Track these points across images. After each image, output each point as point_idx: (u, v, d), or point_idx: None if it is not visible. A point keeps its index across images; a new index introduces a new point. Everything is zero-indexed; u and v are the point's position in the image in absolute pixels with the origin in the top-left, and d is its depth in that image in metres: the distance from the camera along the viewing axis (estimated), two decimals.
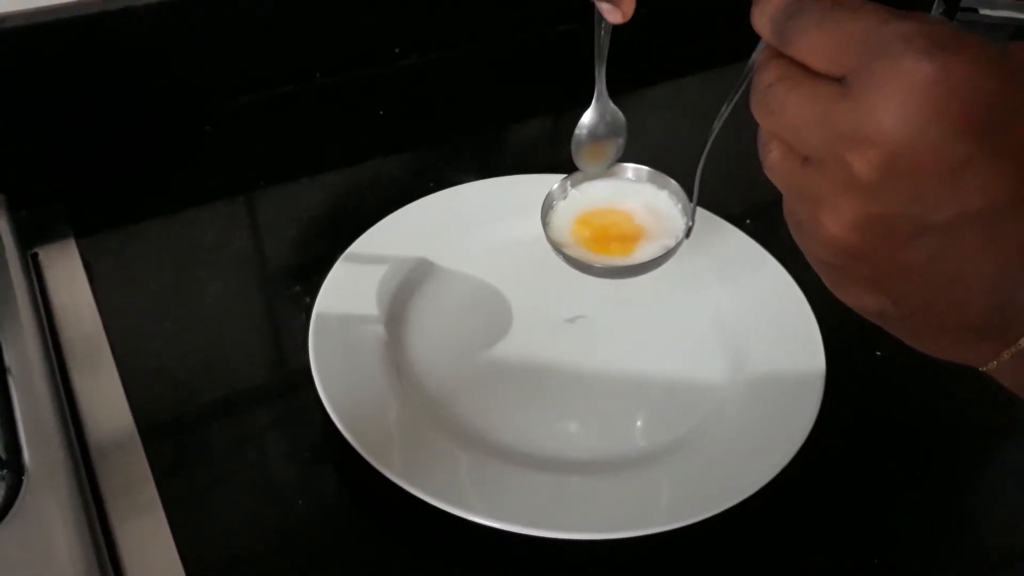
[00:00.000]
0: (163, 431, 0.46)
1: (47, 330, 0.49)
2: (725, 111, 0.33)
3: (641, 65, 0.74)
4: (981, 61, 0.21)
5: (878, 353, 0.52)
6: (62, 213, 0.58)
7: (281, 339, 0.54)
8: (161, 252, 0.58)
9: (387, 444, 0.44)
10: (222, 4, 0.66)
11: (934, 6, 0.82)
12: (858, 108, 0.22)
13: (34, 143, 0.63)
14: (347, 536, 0.43)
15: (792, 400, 0.47)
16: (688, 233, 0.42)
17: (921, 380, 0.51)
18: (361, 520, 0.44)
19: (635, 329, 0.53)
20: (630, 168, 0.44)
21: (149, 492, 0.43)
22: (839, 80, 0.23)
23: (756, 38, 0.26)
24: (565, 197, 0.44)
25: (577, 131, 0.43)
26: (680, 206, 0.43)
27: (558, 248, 0.43)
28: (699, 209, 0.42)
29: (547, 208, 0.44)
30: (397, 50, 0.75)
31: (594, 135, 0.43)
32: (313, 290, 0.51)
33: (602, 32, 0.39)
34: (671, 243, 0.42)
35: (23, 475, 0.40)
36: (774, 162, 0.25)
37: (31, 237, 0.56)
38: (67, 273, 0.54)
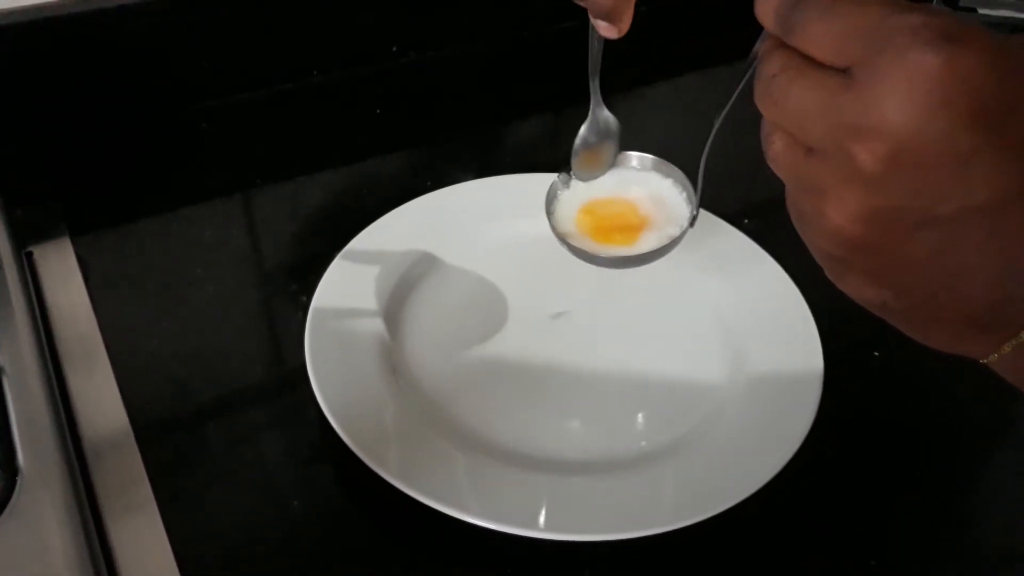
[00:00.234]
0: (158, 431, 0.46)
1: (42, 329, 0.49)
2: (731, 99, 0.33)
3: (641, 63, 0.74)
4: (987, 53, 0.21)
5: (876, 353, 0.52)
6: (57, 212, 0.58)
7: (278, 338, 0.53)
8: (157, 251, 0.58)
9: (383, 444, 0.44)
10: (219, 2, 0.66)
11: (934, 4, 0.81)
12: (863, 99, 0.22)
13: (29, 141, 0.63)
14: (344, 536, 0.43)
15: (790, 400, 0.46)
16: (693, 222, 0.41)
17: (920, 379, 0.51)
18: (358, 520, 0.44)
19: (633, 329, 0.53)
20: (634, 156, 0.44)
21: (144, 492, 0.43)
22: (843, 71, 0.23)
23: (759, 29, 0.26)
24: (568, 187, 0.44)
25: (574, 143, 0.43)
26: (685, 195, 0.43)
27: (562, 238, 0.42)
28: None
29: (551, 198, 0.43)
30: (395, 48, 0.75)
31: (586, 144, 0.43)
32: (310, 289, 0.51)
33: (595, 44, 0.39)
34: (676, 232, 0.42)
35: (17, 475, 0.40)
36: (777, 153, 0.25)
37: (26, 236, 0.55)
38: (62, 272, 0.54)
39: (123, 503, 0.42)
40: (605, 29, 0.36)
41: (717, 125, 0.35)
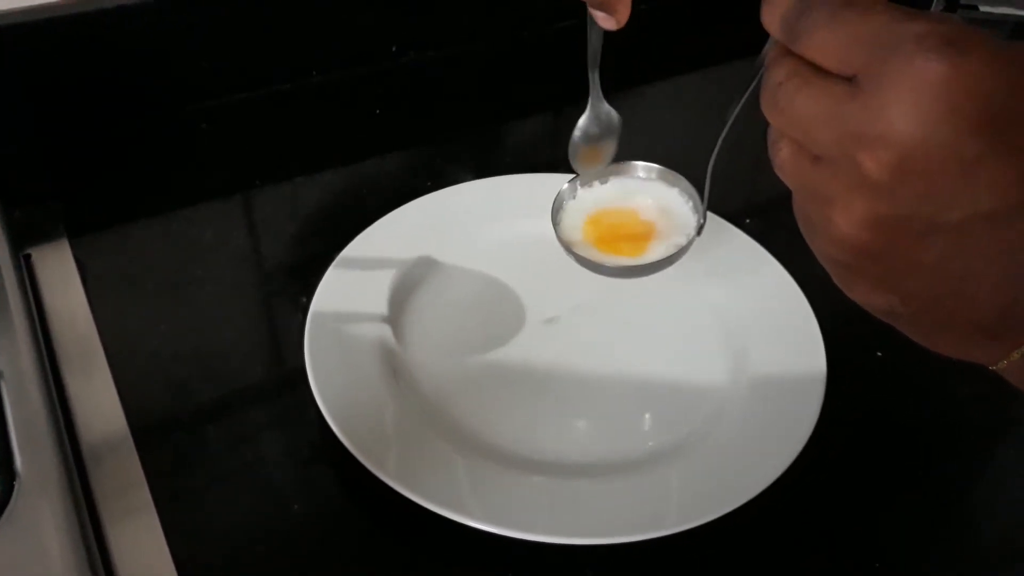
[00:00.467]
0: (157, 433, 0.46)
1: (40, 332, 0.49)
2: (736, 107, 0.33)
3: (641, 62, 0.74)
4: (993, 59, 0.21)
5: (879, 354, 0.52)
6: (55, 213, 0.58)
7: (277, 339, 0.53)
8: (156, 252, 0.57)
9: (383, 446, 0.44)
10: (218, 2, 0.66)
11: (934, 3, 0.81)
12: (869, 107, 0.22)
13: (27, 142, 0.63)
14: (343, 539, 0.43)
15: (793, 401, 0.46)
16: (700, 231, 0.41)
17: (923, 381, 0.51)
18: (358, 523, 0.44)
19: (635, 330, 0.53)
20: (640, 166, 0.44)
21: (143, 495, 0.42)
22: (850, 79, 0.23)
23: (765, 35, 0.26)
24: (575, 196, 0.44)
25: (573, 135, 0.43)
26: (691, 204, 0.43)
27: (569, 248, 0.42)
28: None
29: (557, 208, 0.43)
30: (394, 48, 0.74)
31: (588, 138, 0.43)
32: (310, 290, 0.51)
33: (595, 37, 0.39)
34: (683, 241, 0.42)
35: (15, 479, 0.39)
36: (784, 160, 0.25)
37: (24, 237, 0.55)
38: (60, 274, 0.54)
39: (122, 506, 0.42)
40: (603, 20, 0.36)
41: (724, 133, 0.35)
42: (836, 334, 0.49)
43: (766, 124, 0.26)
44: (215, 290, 0.55)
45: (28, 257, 0.55)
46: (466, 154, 0.68)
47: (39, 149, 0.63)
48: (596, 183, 0.44)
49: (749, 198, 0.63)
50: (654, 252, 0.42)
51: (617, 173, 0.44)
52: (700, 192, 0.41)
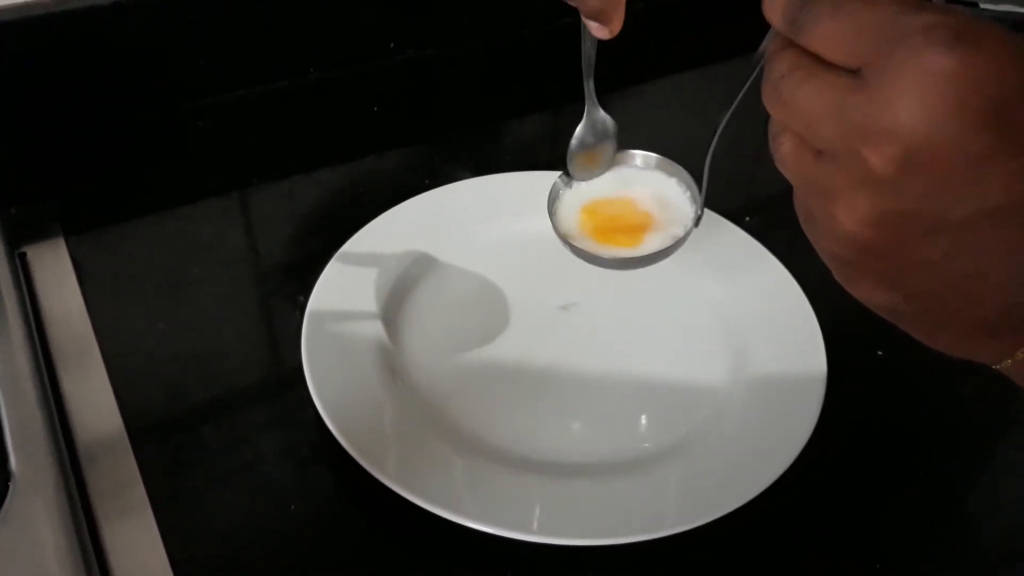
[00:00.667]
0: (153, 433, 0.46)
1: (35, 331, 0.48)
2: (735, 100, 0.33)
3: (639, 61, 0.74)
4: (1001, 52, 0.21)
5: (879, 352, 0.51)
6: (51, 211, 0.58)
7: (275, 338, 0.53)
8: (152, 251, 0.57)
9: (381, 447, 0.43)
10: None
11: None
12: (874, 101, 0.22)
13: (22, 140, 0.62)
14: (341, 540, 0.43)
15: (793, 401, 0.46)
16: (698, 222, 0.41)
17: (923, 380, 0.51)
18: (356, 523, 0.44)
19: (634, 329, 0.52)
20: (638, 155, 0.43)
21: (138, 495, 0.42)
22: (854, 71, 0.22)
23: (759, 26, 0.26)
24: (571, 187, 0.43)
25: (571, 144, 0.42)
26: (689, 194, 0.42)
27: (565, 239, 0.42)
28: None
29: (552, 198, 0.43)
30: (393, 45, 0.74)
31: (583, 145, 0.42)
32: (307, 289, 0.51)
33: (588, 45, 0.38)
34: (680, 232, 0.41)
35: (9, 480, 0.39)
36: (786, 154, 0.25)
37: (19, 236, 0.55)
38: (56, 273, 0.53)
39: (117, 506, 0.42)
40: (596, 29, 0.36)
41: (722, 126, 0.35)
42: (836, 333, 0.49)
43: (766, 119, 0.26)
44: (212, 289, 0.55)
45: (24, 255, 0.54)
46: (465, 152, 0.68)
47: (34, 146, 0.63)
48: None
49: (749, 195, 0.63)
50: (651, 243, 0.42)
51: (614, 163, 0.43)
52: (698, 183, 0.40)
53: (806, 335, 0.49)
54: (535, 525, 0.40)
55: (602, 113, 0.42)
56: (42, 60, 0.61)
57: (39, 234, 0.56)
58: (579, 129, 0.42)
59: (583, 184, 0.43)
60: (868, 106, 0.22)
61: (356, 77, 0.73)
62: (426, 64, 0.75)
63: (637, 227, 0.42)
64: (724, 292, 0.53)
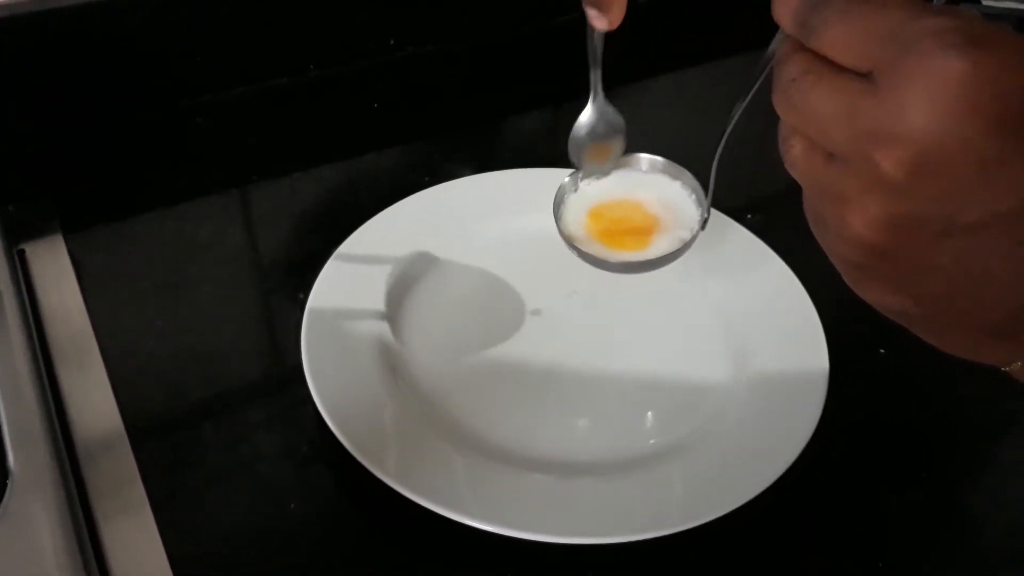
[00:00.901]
0: (152, 431, 0.46)
1: (34, 329, 0.48)
2: (742, 103, 0.33)
3: (643, 57, 0.73)
4: (1013, 57, 0.21)
5: (882, 350, 0.51)
6: (50, 209, 0.57)
7: (275, 337, 0.53)
8: (151, 248, 0.57)
9: (382, 445, 0.43)
10: None
11: None
12: (886, 105, 0.22)
13: (22, 137, 0.62)
14: (342, 539, 0.42)
15: (795, 400, 0.46)
16: (704, 224, 0.41)
17: (927, 379, 0.51)
18: (356, 522, 0.43)
19: (636, 327, 0.52)
20: (644, 159, 0.43)
21: (137, 493, 0.42)
22: (866, 75, 0.22)
23: (768, 29, 0.26)
24: (576, 190, 0.43)
25: (575, 131, 0.42)
26: (694, 197, 0.42)
27: (571, 243, 0.42)
28: None
29: (558, 202, 0.43)
30: (392, 42, 0.74)
31: (594, 135, 0.42)
32: (307, 286, 0.50)
33: (595, 34, 0.38)
34: (687, 235, 0.41)
35: (8, 478, 0.39)
36: (796, 158, 0.25)
37: (18, 233, 0.55)
38: (55, 270, 0.53)
39: (116, 504, 0.42)
40: (595, 19, 0.36)
41: (729, 129, 0.35)
42: (839, 331, 0.49)
43: (769, 119, 0.26)
44: (212, 287, 0.54)
45: (22, 253, 0.54)
46: (465, 149, 0.68)
47: (34, 144, 0.63)
48: (598, 176, 0.44)
49: (751, 193, 0.63)
50: (658, 247, 0.41)
51: (619, 165, 0.43)
52: (704, 186, 0.40)
53: (808, 333, 0.49)
54: (536, 524, 0.40)
55: (610, 107, 0.42)
56: (42, 57, 0.61)
57: (38, 232, 0.56)
58: (587, 118, 0.42)
59: (588, 188, 0.43)
60: (879, 110, 0.22)
61: (356, 74, 0.73)
62: (426, 61, 0.75)
63: (643, 230, 0.42)
64: (726, 290, 0.53)
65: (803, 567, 0.42)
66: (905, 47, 0.21)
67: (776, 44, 0.28)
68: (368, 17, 0.72)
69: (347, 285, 0.51)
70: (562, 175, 0.43)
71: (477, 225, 0.56)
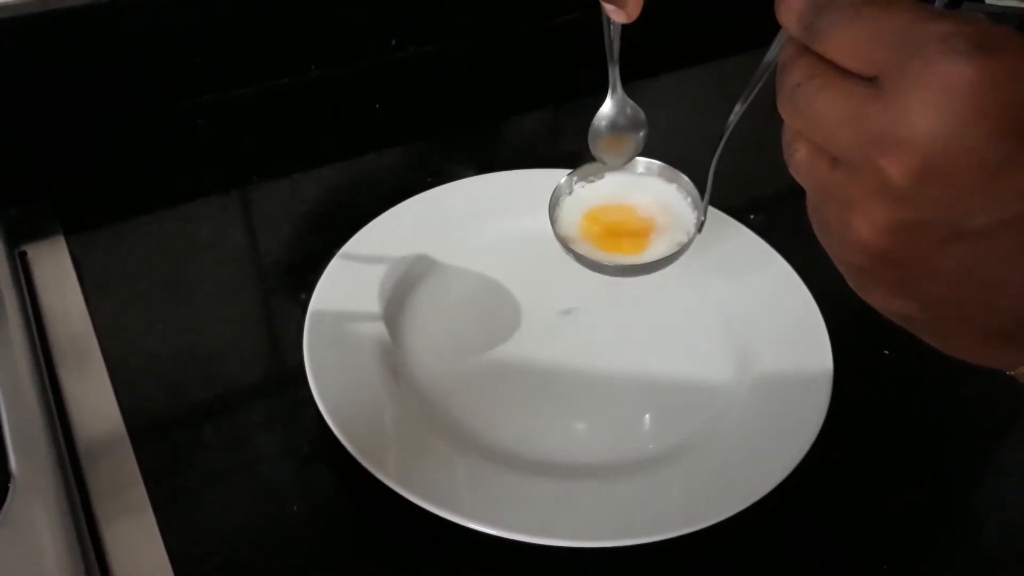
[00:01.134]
0: (154, 432, 0.46)
1: (35, 330, 0.48)
2: (741, 107, 0.33)
3: (643, 56, 0.73)
4: (1021, 62, 0.20)
5: (886, 351, 0.51)
6: (51, 210, 0.57)
7: (276, 338, 0.53)
8: (153, 249, 0.57)
9: (383, 447, 0.43)
10: None
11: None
12: (892, 110, 0.21)
13: (22, 138, 0.62)
14: (342, 540, 0.42)
15: (799, 401, 0.46)
16: (700, 228, 0.41)
17: (930, 380, 0.51)
18: (357, 523, 0.43)
19: (638, 328, 0.52)
20: (640, 162, 0.43)
21: (139, 495, 0.42)
22: (871, 80, 0.22)
23: (769, 29, 0.25)
24: (571, 193, 0.43)
25: (595, 122, 0.42)
26: (690, 200, 0.42)
27: (567, 246, 0.42)
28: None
29: (554, 204, 0.43)
30: (394, 42, 0.74)
31: (614, 127, 0.42)
32: (309, 287, 0.50)
33: (612, 29, 0.38)
34: (683, 239, 0.41)
35: (9, 481, 0.39)
36: (800, 162, 0.25)
37: (19, 234, 0.55)
38: (56, 271, 0.53)
39: (118, 506, 0.42)
40: (613, 13, 0.36)
41: (727, 133, 0.35)
42: (842, 332, 0.49)
43: (770, 118, 0.26)
44: (213, 288, 0.54)
45: (24, 254, 0.54)
46: (465, 149, 0.68)
47: (34, 145, 0.63)
48: (593, 179, 0.44)
49: (754, 193, 0.62)
50: (654, 250, 0.41)
51: (615, 169, 0.43)
52: (700, 189, 0.40)
53: (812, 334, 0.49)
54: (537, 526, 0.40)
55: (630, 100, 0.42)
56: (42, 58, 0.61)
57: (39, 233, 0.56)
58: (605, 109, 0.42)
59: (584, 190, 0.43)
60: (885, 115, 0.22)
61: (357, 74, 0.73)
62: (427, 61, 0.75)
63: (639, 234, 0.42)
64: (729, 291, 0.53)
65: (807, 569, 0.42)
66: (911, 52, 0.21)
67: (777, 47, 0.28)
68: (368, 17, 0.72)
69: (349, 286, 0.51)
70: (563, 175, 0.43)
71: (479, 226, 0.56)
